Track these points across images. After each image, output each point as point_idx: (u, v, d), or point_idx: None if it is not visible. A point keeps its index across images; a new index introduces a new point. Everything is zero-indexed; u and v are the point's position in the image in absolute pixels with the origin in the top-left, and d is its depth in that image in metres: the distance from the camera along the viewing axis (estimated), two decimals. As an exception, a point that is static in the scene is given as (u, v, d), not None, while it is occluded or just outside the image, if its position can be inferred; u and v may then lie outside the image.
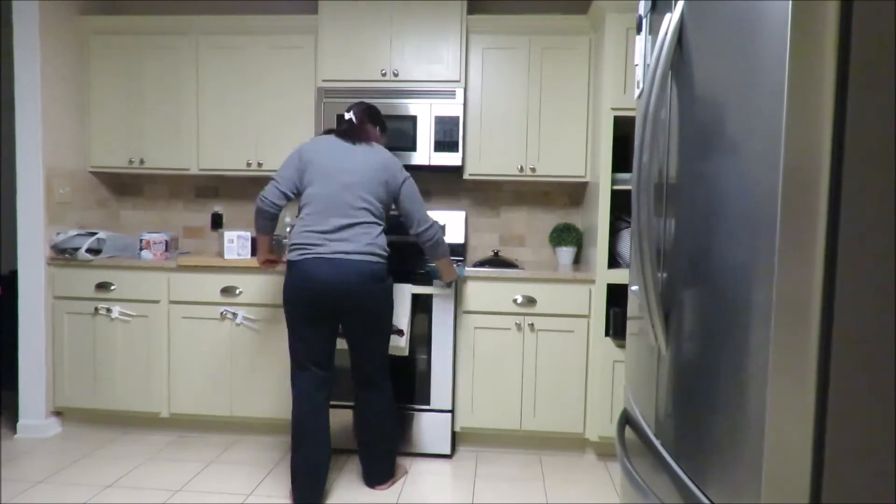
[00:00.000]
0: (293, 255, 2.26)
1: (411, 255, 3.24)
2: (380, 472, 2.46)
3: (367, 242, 2.25)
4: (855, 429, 0.77)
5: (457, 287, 2.79)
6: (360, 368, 2.37)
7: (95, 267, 2.93)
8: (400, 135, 2.96)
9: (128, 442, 2.90)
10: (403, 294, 2.71)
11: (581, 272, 2.79)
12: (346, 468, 2.65)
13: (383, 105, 2.95)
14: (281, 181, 2.29)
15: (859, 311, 0.76)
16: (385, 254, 2.31)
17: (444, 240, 2.45)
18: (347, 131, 2.37)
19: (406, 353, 2.72)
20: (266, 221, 2.33)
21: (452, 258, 3.21)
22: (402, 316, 2.71)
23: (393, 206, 2.41)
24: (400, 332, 2.71)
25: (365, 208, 2.27)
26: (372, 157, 2.32)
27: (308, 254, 2.22)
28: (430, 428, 2.79)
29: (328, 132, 2.41)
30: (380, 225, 2.32)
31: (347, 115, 2.41)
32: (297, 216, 2.45)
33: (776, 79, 0.78)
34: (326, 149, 2.31)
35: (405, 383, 2.80)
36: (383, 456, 2.44)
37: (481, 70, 3.01)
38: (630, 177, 2.37)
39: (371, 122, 2.44)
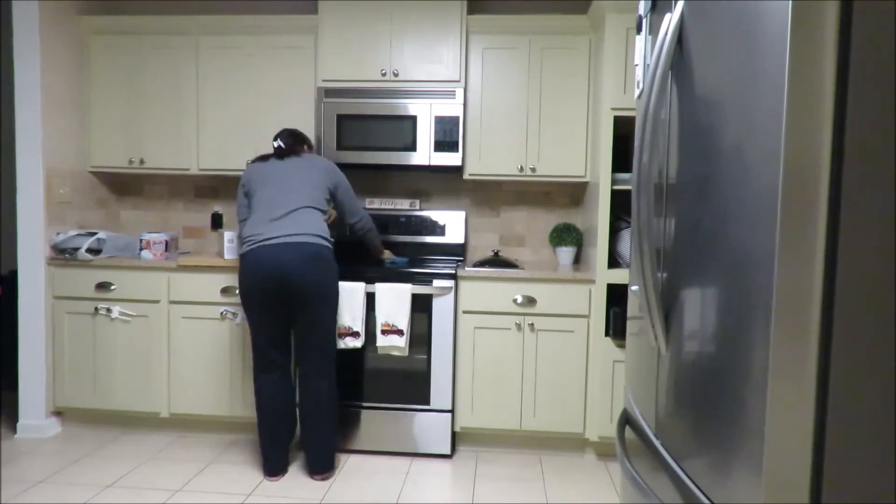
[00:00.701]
0: (242, 249, 2.46)
1: (402, 255, 3.24)
2: (317, 462, 2.51)
3: (311, 226, 2.44)
4: (855, 429, 0.77)
5: (457, 287, 2.79)
6: (308, 353, 2.49)
7: (95, 267, 2.93)
8: (400, 135, 2.96)
9: (128, 442, 2.90)
10: (403, 294, 2.71)
11: (581, 272, 2.79)
12: (344, 469, 2.65)
13: (383, 105, 2.95)
14: (239, 214, 2.61)
15: (859, 310, 0.76)
16: (329, 238, 2.50)
17: (374, 226, 2.84)
18: (280, 150, 2.61)
19: (406, 352, 2.73)
20: None
21: (452, 258, 3.23)
22: (401, 316, 2.71)
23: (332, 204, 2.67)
24: (400, 332, 2.71)
25: (306, 200, 2.48)
26: (304, 161, 2.58)
27: (255, 244, 2.41)
28: (429, 428, 2.79)
29: (257, 159, 2.64)
30: (322, 213, 2.53)
31: (276, 143, 2.64)
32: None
33: (776, 79, 0.78)
34: (260, 167, 2.57)
35: (405, 383, 2.80)
36: (321, 447, 2.50)
37: (481, 70, 3.01)
38: (630, 177, 2.37)
39: (298, 143, 2.66)
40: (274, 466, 2.51)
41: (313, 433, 2.50)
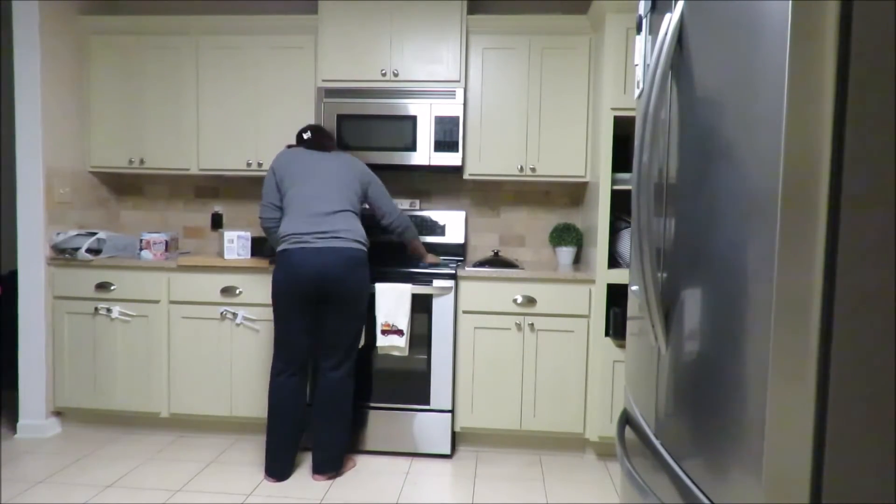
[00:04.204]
0: (282, 246, 2.46)
1: (402, 255, 3.24)
2: (323, 461, 2.50)
3: (348, 230, 2.45)
4: (855, 429, 0.77)
5: (457, 287, 2.79)
6: (332, 350, 2.50)
7: (95, 267, 2.93)
8: (400, 135, 2.96)
9: (128, 442, 2.90)
10: (403, 294, 2.71)
11: (581, 272, 2.79)
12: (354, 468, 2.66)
13: (383, 105, 2.95)
14: (266, 197, 2.57)
15: (859, 311, 0.76)
16: (365, 242, 2.51)
17: (411, 224, 2.76)
18: (311, 142, 2.61)
19: (406, 352, 2.73)
20: (275, 234, 2.56)
21: (453, 258, 3.22)
22: (401, 316, 2.71)
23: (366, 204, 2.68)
24: (400, 332, 2.71)
25: (342, 201, 2.48)
26: (338, 160, 2.58)
27: (295, 244, 2.41)
28: (429, 428, 2.79)
29: (291, 146, 2.64)
30: (357, 216, 2.55)
31: (306, 135, 2.63)
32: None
33: (776, 79, 0.78)
34: (295, 158, 2.55)
35: (405, 383, 2.80)
36: (328, 445, 2.50)
37: (481, 70, 3.01)
38: (630, 177, 2.37)
39: (328, 138, 2.67)
40: (277, 469, 2.49)
41: (322, 433, 2.49)
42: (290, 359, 2.48)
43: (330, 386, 2.49)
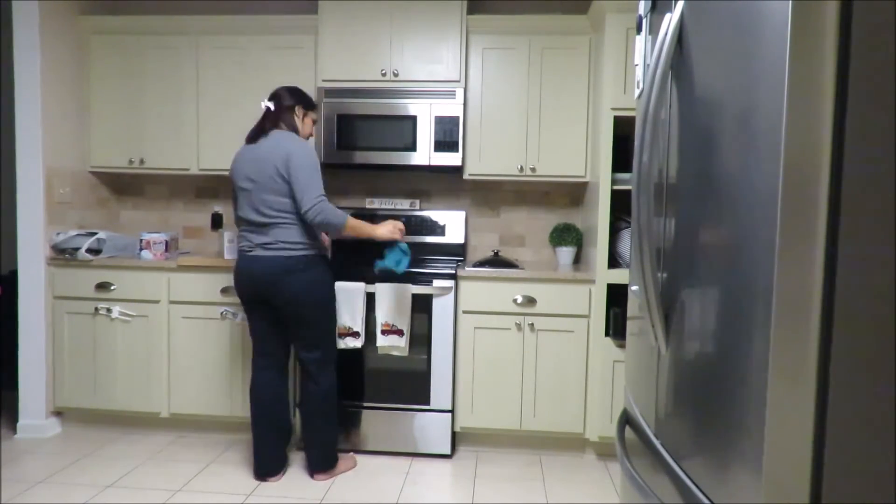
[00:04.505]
0: (236, 252, 2.56)
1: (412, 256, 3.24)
2: (316, 461, 2.52)
3: (276, 241, 2.37)
4: (855, 429, 0.77)
5: (457, 287, 2.79)
6: (305, 353, 2.49)
7: (95, 267, 2.93)
8: (400, 135, 2.96)
9: (128, 442, 2.90)
10: (403, 294, 2.71)
11: (581, 272, 2.79)
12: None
13: (383, 105, 2.95)
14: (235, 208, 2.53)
15: (859, 311, 0.76)
16: (305, 241, 2.38)
17: (332, 211, 2.32)
18: (252, 132, 2.44)
19: (406, 352, 2.73)
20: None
21: (453, 258, 3.22)
22: (401, 316, 2.71)
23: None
24: (400, 332, 2.71)
25: (269, 210, 2.35)
26: (265, 150, 2.35)
27: (239, 252, 2.47)
28: (429, 428, 2.79)
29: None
30: (288, 219, 2.35)
31: (266, 104, 2.45)
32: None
33: (776, 79, 0.78)
34: (236, 160, 2.46)
35: (405, 383, 2.80)
36: (319, 446, 2.51)
37: (481, 70, 3.01)
38: (630, 177, 2.37)
39: (287, 104, 2.45)
40: (264, 468, 2.49)
41: (313, 432, 2.51)
42: (261, 352, 2.51)
43: (310, 386, 2.50)
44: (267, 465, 2.50)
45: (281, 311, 2.43)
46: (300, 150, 2.34)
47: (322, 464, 2.52)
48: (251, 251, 2.41)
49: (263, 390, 2.50)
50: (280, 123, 2.45)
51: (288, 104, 2.47)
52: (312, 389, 2.49)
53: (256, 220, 2.38)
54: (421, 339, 2.78)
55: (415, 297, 2.75)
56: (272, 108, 2.45)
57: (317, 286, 2.44)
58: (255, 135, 2.44)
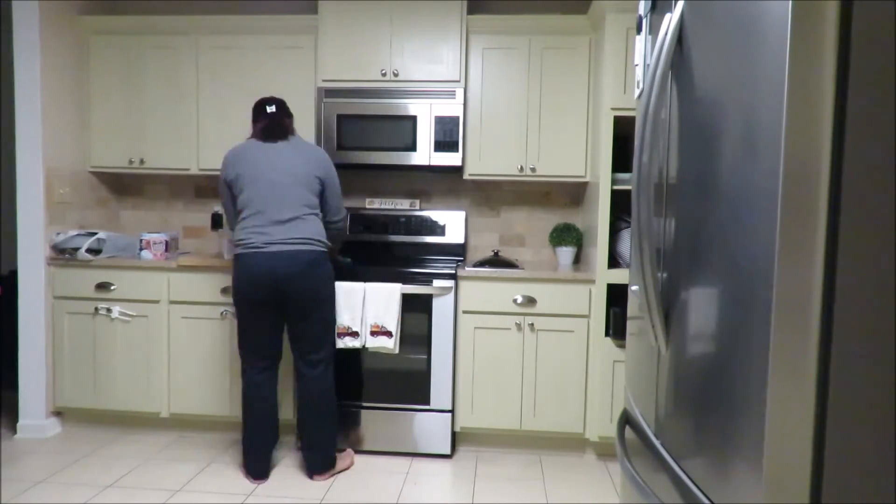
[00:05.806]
0: (238, 250, 2.41)
1: (402, 255, 3.24)
2: (315, 462, 2.51)
3: (307, 230, 2.40)
4: (855, 429, 0.77)
5: (457, 287, 2.79)
6: (305, 352, 2.49)
7: (95, 267, 2.93)
8: (400, 135, 2.96)
9: (128, 442, 2.90)
10: (392, 294, 2.70)
11: (581, 272, 2.79)
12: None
13: (383, 105, 2.96)
14: (226, 213, 2.58)
15: (859, 310, 0.76)
16: (322, 241, 2.46)
17: (344, 229, 2.79)
18: (267, 131, 2.47)
19: (396, 352, 2.72)
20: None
21: (452, 258, 3.23)
22: (389, 317, 2.70)
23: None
24: (388, 334, 2.70)
25: (298, 205, 2.40)
26: (294, 150, 2.46)
27: (249, 248, 2.38)
28: (429, 428, 2.79)
29: (250, 139, 2.52)
30: (315, 215, 2.47)
31: (270, 108, 2.50)
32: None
33: (776, 79, 0.78)
34: (244, 156, 2.44)
35: (405, 383, 2.80)
36: (319, 447, 2.50)
37: (481, 70, 3.01)
38: (630, 177, 2.37)
39: (287, 115, 2.56)
40: (259, 470, 2.49)
41: (312, 433, 2.50)
42: (260, 355, 2.47)
43: (308, 386, 2.49)
44: (262, 468, 2.50)
45: (294, 308, 2.40)
46: (330, 161, 2.57)
47: (322, 464, 2.52)
48: (267, 247, 2.34)
49: (265, 393, 2.48)
50: (293, 131, 2.56)
51: (289, 114, 2.57)
52: (313, 390, 2.48)
53: (285, 215, 2.37)
54: (421, 339, 2.78)
55: (414, 297, 2.75)
56: (278, 112, 2.50)
57: (331, 282, 2.53)
58: (276, 135, 2.47)
